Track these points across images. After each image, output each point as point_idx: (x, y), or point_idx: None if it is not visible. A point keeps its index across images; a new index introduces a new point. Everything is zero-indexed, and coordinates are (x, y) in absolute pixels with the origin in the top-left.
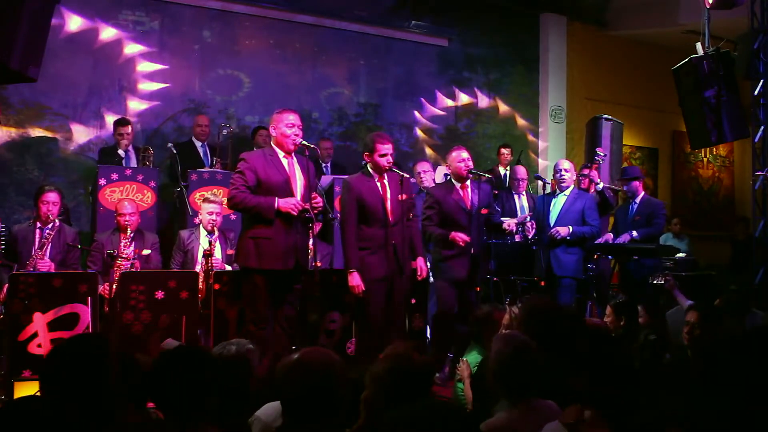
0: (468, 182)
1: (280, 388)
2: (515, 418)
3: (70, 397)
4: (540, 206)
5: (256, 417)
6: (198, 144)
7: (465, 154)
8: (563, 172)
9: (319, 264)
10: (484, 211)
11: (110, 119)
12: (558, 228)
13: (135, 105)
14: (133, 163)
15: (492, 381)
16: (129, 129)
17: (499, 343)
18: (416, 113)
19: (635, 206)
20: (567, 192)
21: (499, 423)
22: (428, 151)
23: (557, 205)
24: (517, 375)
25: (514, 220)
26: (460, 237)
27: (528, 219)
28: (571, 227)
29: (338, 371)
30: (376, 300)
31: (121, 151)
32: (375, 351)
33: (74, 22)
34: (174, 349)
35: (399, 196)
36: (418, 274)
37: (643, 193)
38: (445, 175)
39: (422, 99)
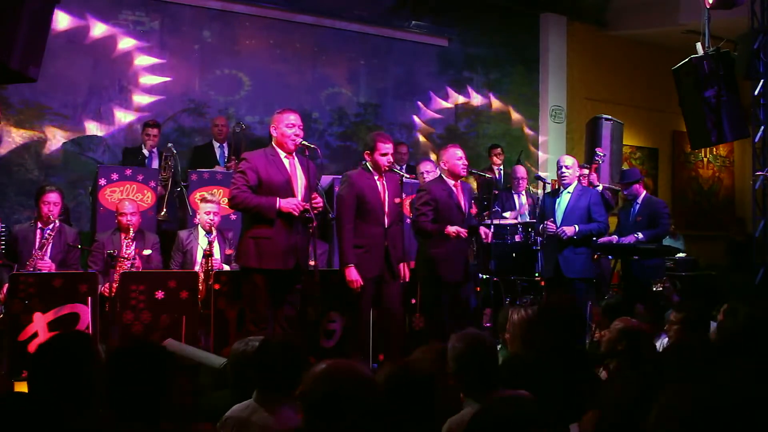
0: (459, 181)
1: (304, 393)
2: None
3: (56, 394)
4: (544, 206)
5: (228, 417)
6: (216, 145)
7: (461, 152)
8: (564, 169)
9: (313, 263)
10: (472, 210)
11: (108, 120)
12: (564, 228)
13: (135, 105)
14: (156, 163)
15: (453, 380)
16: (156, 131)
17: (453, 341)
18: (416, 113)
19: (637, 207)
20: (570, 189)
21: (463, 419)
22: (428, 150)
23: (562, 203)
24: (475, 370)
25: (509, 218)
26: (456, 229)
27: (523, 217)
28: (577, 226)
29: (362, 381)
30: (366, 299)
31: (145, 151)
32: (368, 350)
33: (74, 22)
34: (127, 348)
35: (395, 198)
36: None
37: (644, 193)
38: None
39: (422, 99)
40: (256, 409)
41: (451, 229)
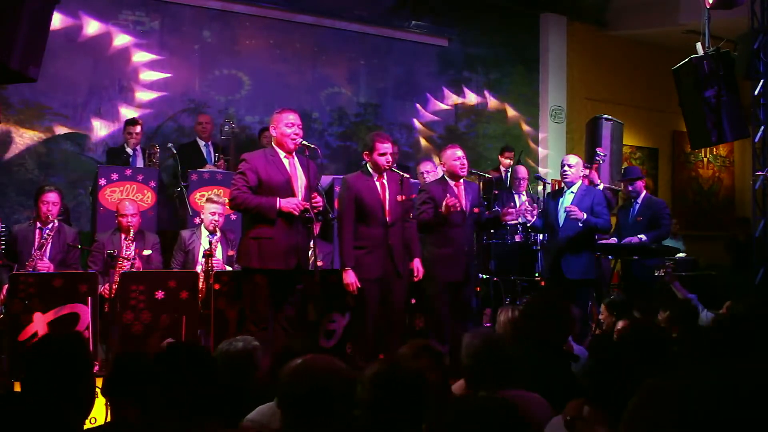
0: (461, 181)
1: (282, 390)
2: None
3: (50, 393)
4: (547, 207)
5: (251, 419)
6: (201, 143)
7: (460, 153)
8: (567, 168)
9: (320, 263)
10: (476, 210)
11: (108, 120)
12: (576, 211)
13: (135, 105)
14: (140, 162)
15: (467, 376)
16: (138, 128)
17: (469, 337)
18: (416, 113)
19: (637, 206)
20: (574, 189)
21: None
22: (428, 151)
23: (565, 203)
24: (489, 366)
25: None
26: (451, 202)
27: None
28: (585, 214)
29: (340, 375)
30: (371, 300)
31: (129, 150)
32: (371, 351)
33: (74, 22)
34: (175, 345)
35: (398, 196)
36: (415, 275)
37: (644, 192)
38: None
39: (422, 99)
40: (276, 413)
41: (445, 204)
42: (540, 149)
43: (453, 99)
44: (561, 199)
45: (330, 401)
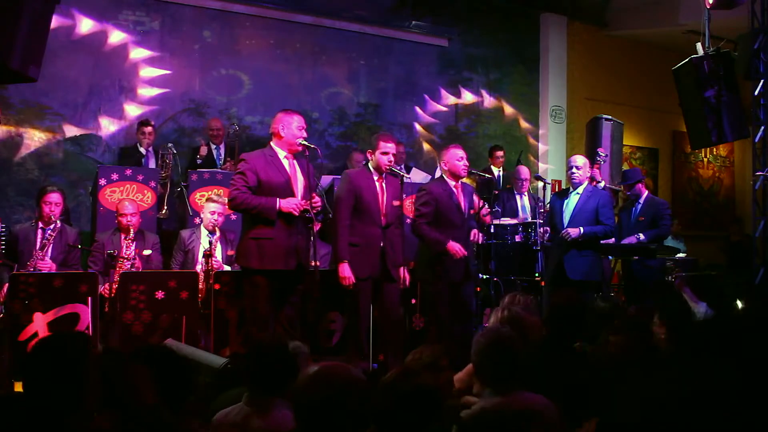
0: (459, 182)
1: (297, 398)
2: (496, 406)
3: (51, 393)
4: (553, 207)
5: (220, 423)
6: (213, 146)
7: (462, 153)
8: (575, 169)
9: (317, 264)
10: (473, 211)
11: (108, 121)
12: (569, 229)
13: (135, 105)
14: (152, 162)
15: (477, 372)
16: (150, 129)
17: (477, 336)
18: (416, 113)
19: (639, 207)
20: (580, 190)
21: (475, 411)
22: (428, 151)
23: (570, 204)
24: (501, 365)
25: None
26: (457, 250)
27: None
28: (582, 228)
29: (355, 385)
30: (363, 299)
31: (142, 149)
32: (366, 350)
33: (75, 22)
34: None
35: (394, 201)
36: (400, 284)
37: (646, 192)
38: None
39: (422, 99)
40: (249, 414)
41: (454, 247)
42: (540, 149)
43: (453, 99)
44: (566, 200)
45: (345, 410)
